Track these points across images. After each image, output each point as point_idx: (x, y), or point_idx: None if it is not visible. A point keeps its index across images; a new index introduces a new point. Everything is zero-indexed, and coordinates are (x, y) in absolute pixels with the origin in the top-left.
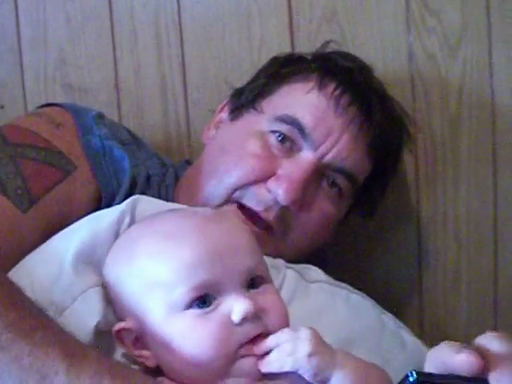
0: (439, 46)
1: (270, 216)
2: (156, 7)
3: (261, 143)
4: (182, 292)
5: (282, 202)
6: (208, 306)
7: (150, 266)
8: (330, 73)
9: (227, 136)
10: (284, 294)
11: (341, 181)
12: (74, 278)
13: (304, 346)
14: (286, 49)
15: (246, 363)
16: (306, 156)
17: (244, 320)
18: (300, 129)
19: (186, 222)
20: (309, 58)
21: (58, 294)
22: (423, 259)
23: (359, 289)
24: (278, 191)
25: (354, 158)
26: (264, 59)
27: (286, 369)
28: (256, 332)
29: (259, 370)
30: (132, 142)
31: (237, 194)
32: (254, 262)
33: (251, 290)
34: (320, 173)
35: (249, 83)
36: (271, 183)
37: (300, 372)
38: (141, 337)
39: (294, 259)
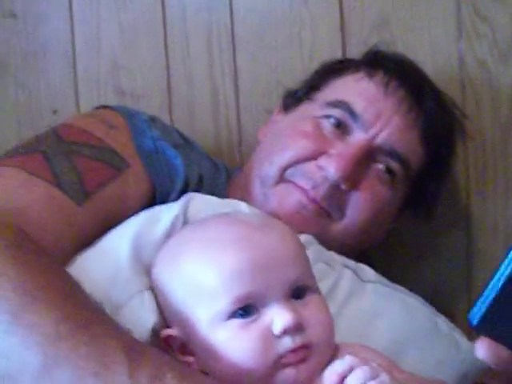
0: (490, 52)
1: (318, 195)
2: (209, 14)
3: (313, 124)
4: (225, 302)
5: (331, 177)
6: (250, 316)
7: (194, 273)
8: (379, 64)
9: (281, 125)
10: (340, 293)
11: (393, 165)
12: (132, 276)
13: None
14: (338, 55)
15: (288, 373)
16: (358, 137)
17: (285, 332)
18: (351, 112)
19: (231, 230)
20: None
21: (116, 291)
22: (472, 265)
23: None
24: (329, 168)
25: (406, 140)
26: (315, 66)
27: None
28: (296, 344)
29: (304, 380)
30: (184, 143)
31: (288, 172)
32: (300, 273)
33: (295, 301)
34: (372, 156)
35: (301, 83)
36: (322, 160)
37: None
38: (187, 343)
39: (349, 250)
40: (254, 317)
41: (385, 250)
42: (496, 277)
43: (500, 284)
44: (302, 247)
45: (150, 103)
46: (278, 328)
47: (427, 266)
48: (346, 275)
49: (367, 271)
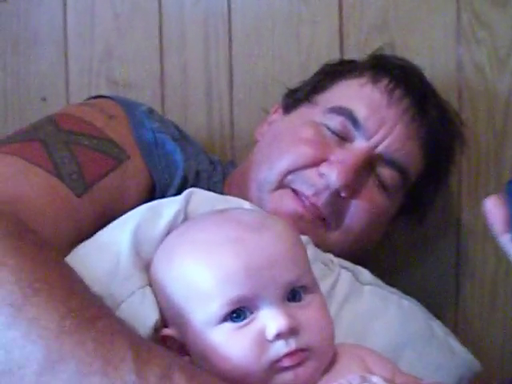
0: (488, 58)
1: (319, 201)
2: (206, 5)
3: (314, 131)
4: (217, 306)
5: (333, 185)
6: (242, 320)
7: (186, 276)
8: (384, 69)
9: (280, 127)
10: (338, 295)
11: (392, 174)
12: (132, 271)
13: None
14: (335, 54)
15: (286, 377)
16: (359, 145)
17: (278, 336)
18: (353, 120)
19: (225, 232)
20: (362, 61)
21: (116, 286)
22: (461, 271)
23: None
24: (331, 175)
25: (407, 150)
26: (313, 63)
27: None
28: (290, 349)
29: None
30: (181, 137)
31: (289, 178)
32: (295, 274)
33: (291, 303)
34: (372, 164)
35: (302, 83)
36: (324, 167)
37: None
38: (184, 343)
39: (344, 255)
40: (247, 320)
41: (375, 254)
42: None
43: None
44: (300, 247)
45: (141, 93)
46: (270, 333)
47: (417, 271)
48: (345, 277)
49: (365, 273)
